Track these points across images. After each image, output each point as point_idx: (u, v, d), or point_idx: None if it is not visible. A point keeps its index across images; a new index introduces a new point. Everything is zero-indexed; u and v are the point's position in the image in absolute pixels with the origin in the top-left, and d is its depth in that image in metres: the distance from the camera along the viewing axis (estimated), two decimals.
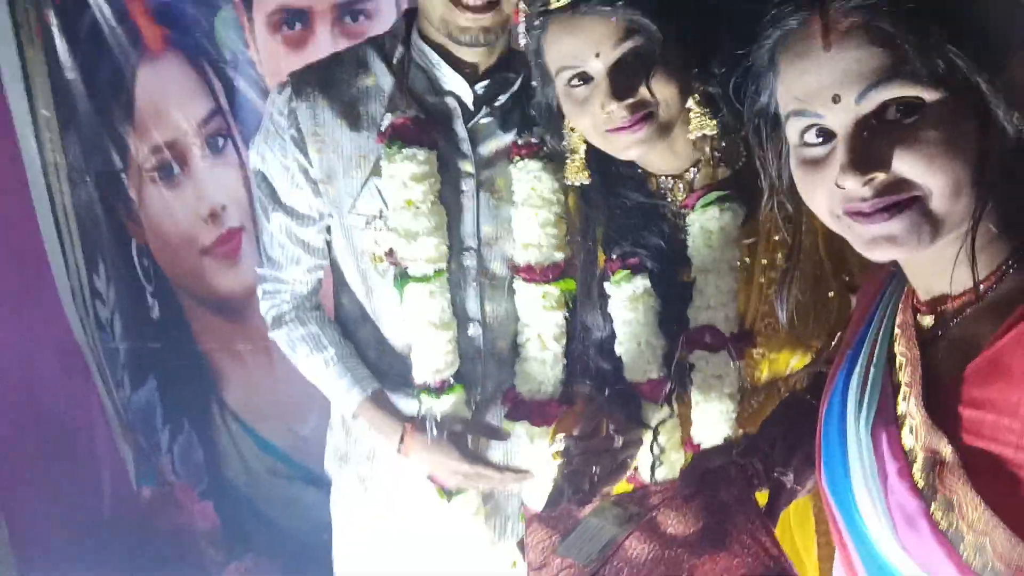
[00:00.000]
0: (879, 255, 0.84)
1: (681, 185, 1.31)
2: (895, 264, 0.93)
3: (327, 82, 1.51)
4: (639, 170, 1.34)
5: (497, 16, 1.39)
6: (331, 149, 1.50)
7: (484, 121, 1.51)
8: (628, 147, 1.20)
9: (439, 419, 1.54)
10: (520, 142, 1.49)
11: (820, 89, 0.81)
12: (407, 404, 1.60)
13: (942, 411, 0.84)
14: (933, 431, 0.83)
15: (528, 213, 1.49)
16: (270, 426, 2.63)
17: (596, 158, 1.30)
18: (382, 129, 1.47)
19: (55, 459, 2.80)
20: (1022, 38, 0.80)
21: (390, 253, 1.51)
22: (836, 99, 0.80)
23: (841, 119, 0.81)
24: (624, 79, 1.15)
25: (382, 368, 1.62)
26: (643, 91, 1.15)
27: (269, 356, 2.54)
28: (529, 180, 1.48)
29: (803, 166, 0.86)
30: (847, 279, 1.22)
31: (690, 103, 1.20)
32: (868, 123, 0.80)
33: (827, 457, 0.98)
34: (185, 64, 2.39)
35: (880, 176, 0.79)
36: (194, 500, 2.86)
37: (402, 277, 1.50)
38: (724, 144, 1.26)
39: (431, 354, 1.53)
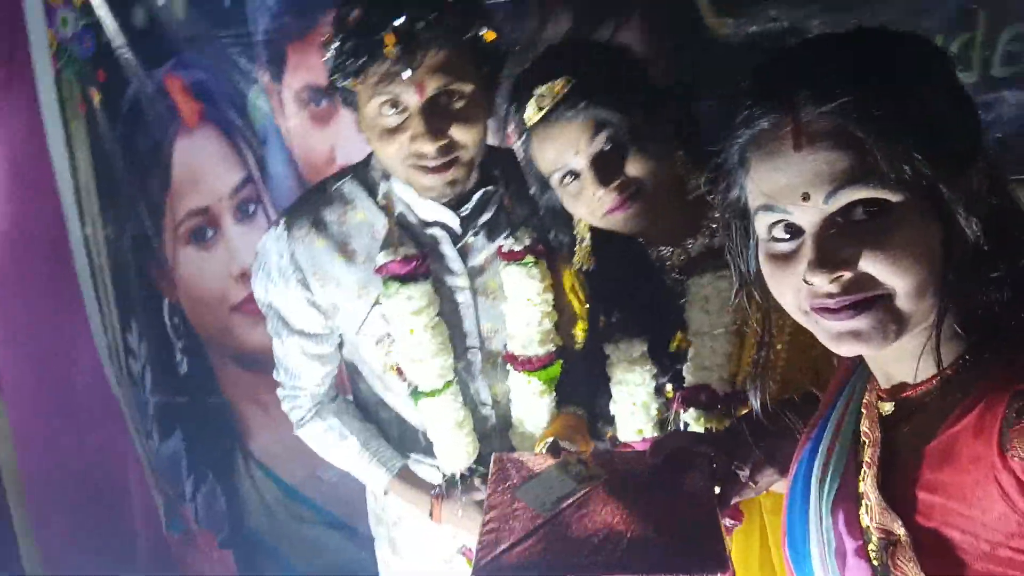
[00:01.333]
0: (845, 350, 0.84)
1: (680, 254, 1.38)
2: None
3: (319, 222, 1.53)
4: (640, 241, 1.40)
5: (459, 170, 1.41)
6: (332, 284, 1.53)
7: (472, 239, 1.54)
8: (626, 223, 1.29)
9: (459, 486, 1.59)
10: (505, 249, 1.52)
11: (790, 187, 0.81)
12: (435, 472, 1.64)
13: (899, 492, 0.84)
14: (887, 512, 0.84)
15: (518, 310, 1.53)
16: (294, 473, 2.65)
17: (599, 234, 1.37)
18: (378, 266, 1.50)
19: (96, 504, 2.87)
20: (980, 147, 0.82)
21: (400, 371, 1.56)
22: (805, 197, 0.80)
23: (809, 217, 0.81)
24: (605, 167, 1.25)
25: (406, 444, 1.67)
26: (624, 173, 1.25)
27: None
28: (518, 284, 1.52)
29: (771, 260, 0.87)
30: None
31: (679, 168, 1.28)
32: (835, 222, 0.80)
33: (790, 525, 0.99)
34: (219, 136, 2.48)
35: (847, 274, 0.80)
36: (214, 549, 2.89)
37: (415, 392, 1.55)
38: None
39: (453, 450, 1.59)
